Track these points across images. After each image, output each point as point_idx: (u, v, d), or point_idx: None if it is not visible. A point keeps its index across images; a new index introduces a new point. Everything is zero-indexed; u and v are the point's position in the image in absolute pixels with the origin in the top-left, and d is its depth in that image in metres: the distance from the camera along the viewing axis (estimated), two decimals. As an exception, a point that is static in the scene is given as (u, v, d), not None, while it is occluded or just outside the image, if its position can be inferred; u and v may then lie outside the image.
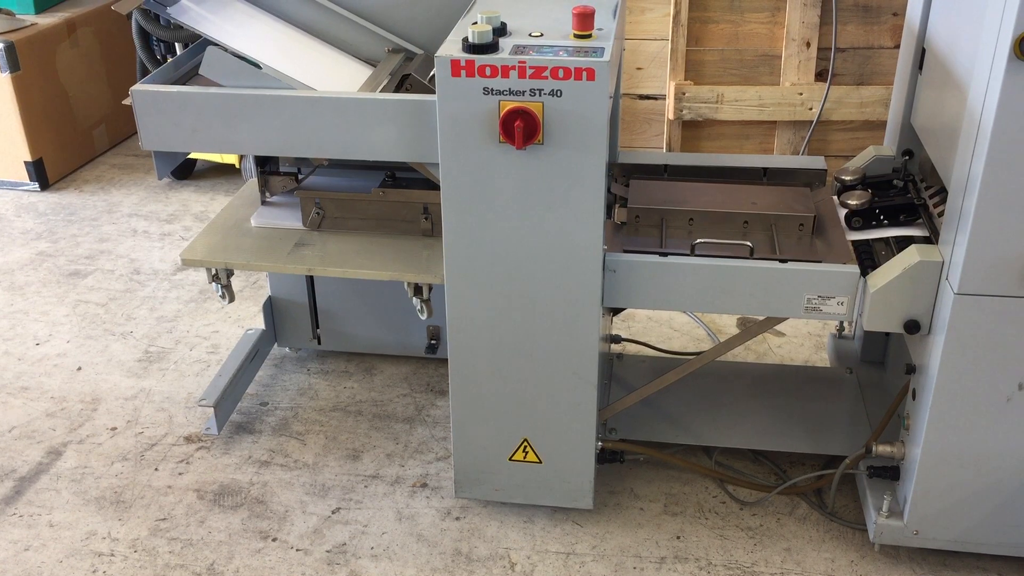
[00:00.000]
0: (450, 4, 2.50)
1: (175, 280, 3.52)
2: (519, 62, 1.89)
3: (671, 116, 3.44)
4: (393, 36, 2.53)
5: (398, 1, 2.53)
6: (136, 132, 2.16)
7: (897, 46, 3.36)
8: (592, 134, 1.94)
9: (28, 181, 4.24)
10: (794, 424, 2.52)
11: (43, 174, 4.26)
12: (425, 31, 2.55)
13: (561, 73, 1.89)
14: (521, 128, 1.92)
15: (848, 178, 2.43)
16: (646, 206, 2.35)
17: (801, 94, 3.35)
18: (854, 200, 2.31)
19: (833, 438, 2.47)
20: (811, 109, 3.36)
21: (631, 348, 3.00)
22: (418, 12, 2.54)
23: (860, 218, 2.31)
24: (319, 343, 3.00)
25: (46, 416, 2.81)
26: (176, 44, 3.89)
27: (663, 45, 3.48)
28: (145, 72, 4.10)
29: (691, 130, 3.51)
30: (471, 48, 1.92)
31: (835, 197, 2.41)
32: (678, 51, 3.39)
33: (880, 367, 2.71)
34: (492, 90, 1.92)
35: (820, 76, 3.41)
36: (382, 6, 2.53)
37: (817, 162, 2.55)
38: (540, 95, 1.91)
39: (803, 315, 2.12)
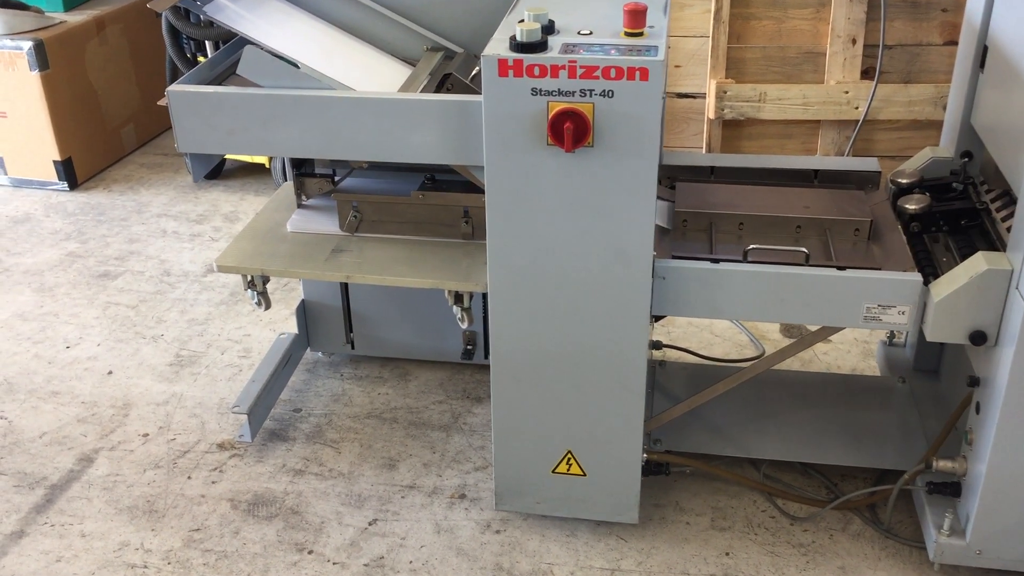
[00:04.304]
0: (489, 1, 2.43)
1: (205, 282, 3.47)
2: (569, 61, 1.81)
3: (712, 115, 3.35)
4: (432, 34, 2.46)
5: (437, -2, 2.46)
6: (165, 130, 2.11)
7: (947, 43, 3.26)
8: (644, 136, 1.86)
9: (57, 180, 4.20)
10: (846, 436, 2.43)
11: (72, 173, 4.22)
12: (464, 29, 2.48)
13: (613, 73, 1.81)
14: (571, 130, 1.84)
15: (905, 181, 2.34)
16: (694, 210, 2.28)
17: (847, 92, 3.25)
18: (913, 204, 2.22)
19: (887, 451, 2.38)
20: (857, 108, 3.27)
21: (672, 354, 2.92)
22: (457, 9, 2.47)
23: (919, 223, 2.22)
24: (352, 347, 2.94)
25: (77, 422, 2.76)
26: (207, 42, 3.84)
27: (702, 42, 3.39)
28: (175, 70, 4.06)
29: (731, 129, 3.42)
30: (519, 47, 1.85)
31: (890, 200, 2.32)
32: (719, 48, 3.30)
33: (934, 376, 2.62)
34: (540, 91, 1.85)
35: (866, 74, 3.31)
36: (420, 3, 2.46)
37: (870, 164, 2.46)
38: (591, 96, 1.84)
39: (861, 325, 2.04)
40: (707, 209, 2.28)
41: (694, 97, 3.46)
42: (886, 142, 3.38)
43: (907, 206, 2.22)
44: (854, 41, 3.25)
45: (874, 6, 3.22)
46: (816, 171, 2.45)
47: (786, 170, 2.46)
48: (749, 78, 3.36)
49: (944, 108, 3.26)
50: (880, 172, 2.42)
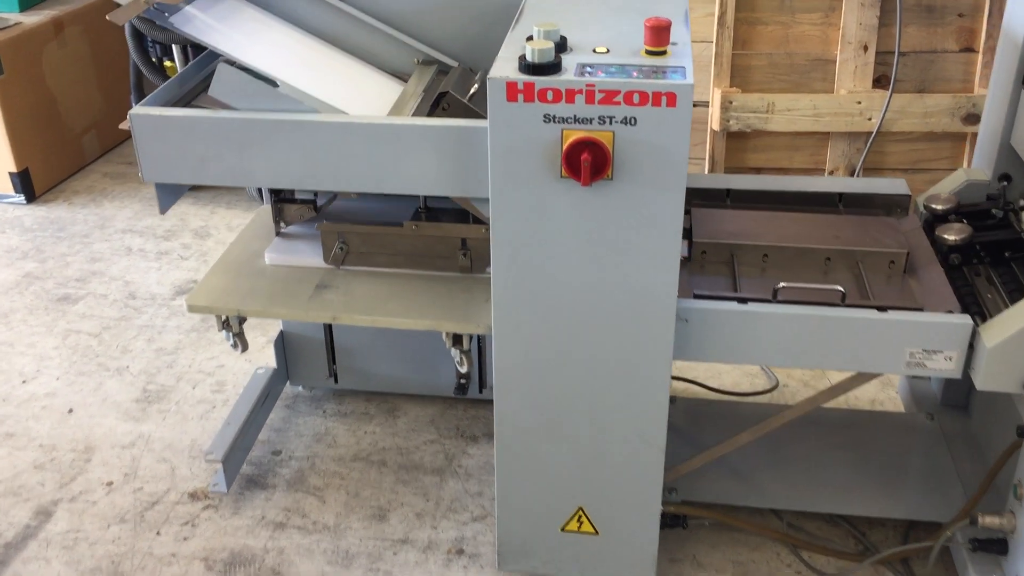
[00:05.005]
0: (486, 10, 2.22)
1: (174, 306, 3.23)
2: (587, 85, 1.61)
3: (716, 126, 3.16)
4: (423, 45, 2.24)
5: (427, 7, 2.24)
6: (129, 137, 1.87)
7: (963, 49, 3.09)
8: (670, 168, 1.66)
9: (13, 193, 3.93)
10: (875, 482, 2.24)
11: (29, 186, 3.95)
12: (458, 40, 2.26)
13: (636, 98, 1.61)
14: (588, 162, 1.64)
15: (940, 207, 2.16)
16: (714, 240, 2.08)
17: (860, 103, 3.07)
18: (952, 235, 2.03)
19: (921, 500, 2.19)
20: (870, 119, 3.09)
21: (677, 386, 2.72)
22: (449, 18, 2.25)
23: (959, 255, 2.04)
24: (336, 381, 2.72)
25: (34, 468, 2.52)
26: (173, 47, 3.58)
27: (704, 48, 3.19)
28: (139, 75, 3.80)
29: (735, 141, 3.23)
30: (529, 68, 1.63)
31: (924, 228, 2.14)
32: (723, 55, 3.11)
33: (963, 412, 2.44)
34: (554, 117, 1.64)
35: (877, 83, 3.13)
36: (409, 12, 2.24)
37: (898, 186, 2.27)
38: (611, 123, 1.63)
39: (903, 371, 1.85)
40: (728, 239, 2.08)
41: (695, 106, 3.26)
42: (898, 155, 3.21)
43: (946, 236, 2.04)
44: (865, 48, 3.07)
45: (887, 11, 3.04)
46: (840, 194, 2.26)
47: (808, 193, 2.27)
48: (754, 86, 3.16)
49: (961, 120, 3.11)
50: (910, 196, 2.24)
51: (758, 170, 3.23)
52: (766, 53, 3.14)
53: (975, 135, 3.12)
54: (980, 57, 3.06)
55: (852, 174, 3.18)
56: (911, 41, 3.09)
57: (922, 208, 2.20)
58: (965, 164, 3.18)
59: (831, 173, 3.20)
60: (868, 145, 3.12)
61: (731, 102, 3.10)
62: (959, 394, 2.45)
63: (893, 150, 3.20)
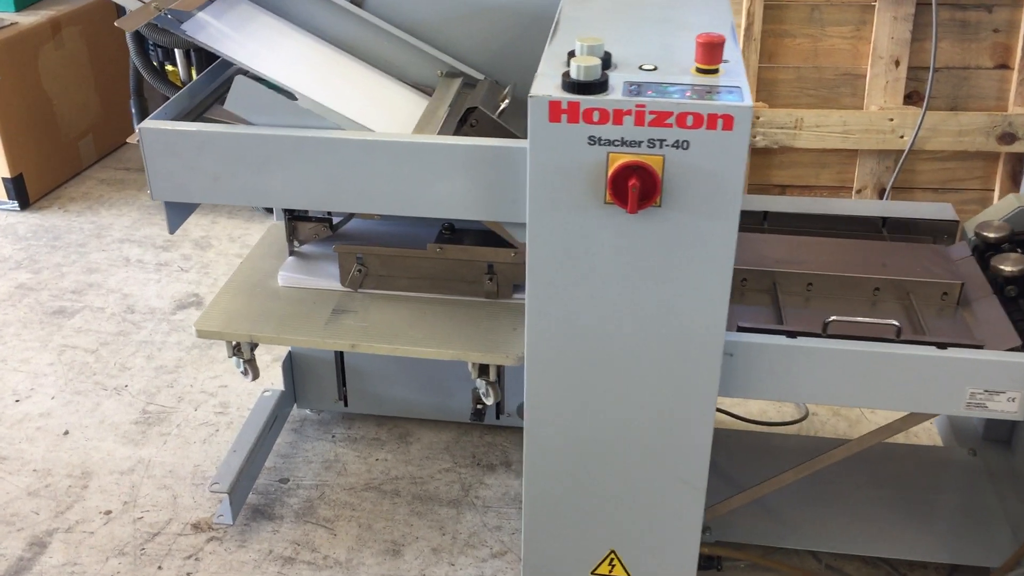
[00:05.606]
0: (514, 21, 2.10)
1: (175, 321, 3.10)
2: (636, 105, 1.49)
3: (741, 142, 3.04)
4: (448, 57, 2.12)
5: (451, 16, 2.12)
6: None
7: (998, 66, 2.99)
8: (724, 196, 1.54)
9: (6, 200, 3.79)
10: (917, 522, 2.13)
11: (23, 192, 3.81)
12: (485, 52, 2.14)
13: (690, 120, 1.49)
14: (636, 187, 1.52)
15: (993, 235, 2.04)
16: (756, 267, 1.97)
17: (891, 120, 2.96)
18: (1009, 266, 1.93)
19: (967, 542, 2.09)
20: (902, 137, 2.98)
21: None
22: (475, 29, 2.13)
23: (1015, 286, 1.93)
24: (345, 405, 2.60)
25: (28, 495, 2.39)
26: (176, 51, 3.46)
27: (727, 60, 3.08)
28: (139, 79, 3.67)
29: (760, 157, 3.12)
30: (574, 86, 1.51)
31: (975, 256, 2.03)
32: (750, 68, 3.00)
33: (1006, 447, 2.33)
34: (600, 139, 1.52)
35: (908, 99, 3.03)
36: (433, 22, 2.13)
37: (945, 211, 2.17)
38: (661, 147, 1.51)
39: (963, 412, 1.74)
40: (770, 266, 1.98)
41: (718, 120, 3.15)
42: (928, 174, 3.10)
43: (1002, 267, 1.93)
44: (897, 63, 2.96)
45: (919, 25, 2.94)
46: (884, 219, 2.16)
47: (849, 217, 2.17)
48: (781, 101, 3.05)
49: (996, 139, 3.00)
50: (958, 221, 2.14)
51: (783, 188, 3.12)
52: (794, 67, 3.03)
53: (1009, 155, 3.02)
54: (1015, 75, 2.96)
55: (881, 193, 3.07)
56: (944, 57, 2.98)
57: (972, 235, 2.09)
58: (997, 184, 3.08)
59: (859, 192, 3.09)
60: (900, 164, 3.01)
61: (759, 117, 2.99)
62: (1002, 428, 2.35)
63: (923, 169, 3.10)
